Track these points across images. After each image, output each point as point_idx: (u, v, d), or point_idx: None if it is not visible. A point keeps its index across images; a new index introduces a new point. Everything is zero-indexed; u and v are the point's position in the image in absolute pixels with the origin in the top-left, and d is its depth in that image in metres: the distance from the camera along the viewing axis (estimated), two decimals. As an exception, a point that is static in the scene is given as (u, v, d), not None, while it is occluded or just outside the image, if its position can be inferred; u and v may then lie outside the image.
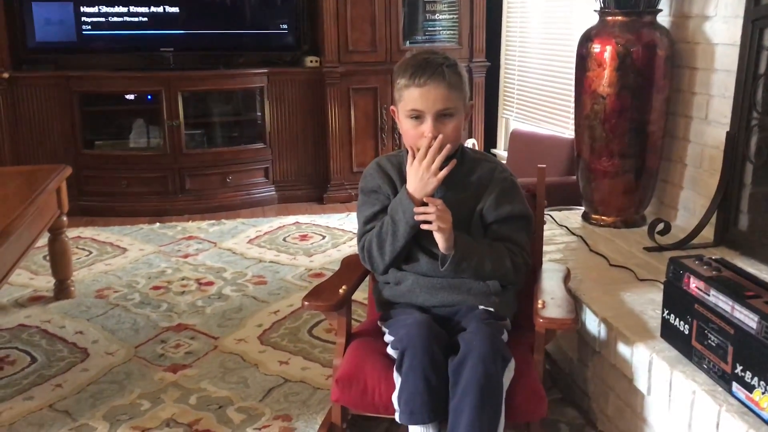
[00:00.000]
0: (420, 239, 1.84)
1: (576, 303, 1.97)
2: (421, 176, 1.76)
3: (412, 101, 1.79)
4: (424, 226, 1.76)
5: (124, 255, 3.62)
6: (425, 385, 1.62)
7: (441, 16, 4.79)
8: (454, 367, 1.64)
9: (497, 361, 1.63)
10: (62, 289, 3.06)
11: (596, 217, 2.79)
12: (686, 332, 1.69)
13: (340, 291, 1.86)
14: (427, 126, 1.78)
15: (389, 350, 1.78)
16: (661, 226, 2.51)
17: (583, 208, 2.89)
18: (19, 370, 2.44)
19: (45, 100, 4.36)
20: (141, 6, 4.40)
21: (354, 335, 1.94)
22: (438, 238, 1.76)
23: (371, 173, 1.93)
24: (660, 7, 2.59)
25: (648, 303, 2.02)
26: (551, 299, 1.86)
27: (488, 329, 1.70)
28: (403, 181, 1.84)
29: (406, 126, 1.83)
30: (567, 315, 1.78)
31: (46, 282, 3.19)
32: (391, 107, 1.90)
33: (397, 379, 1.67)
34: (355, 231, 3.95)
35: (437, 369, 1.64)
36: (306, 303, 1.84)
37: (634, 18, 2.56)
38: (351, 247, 3.70)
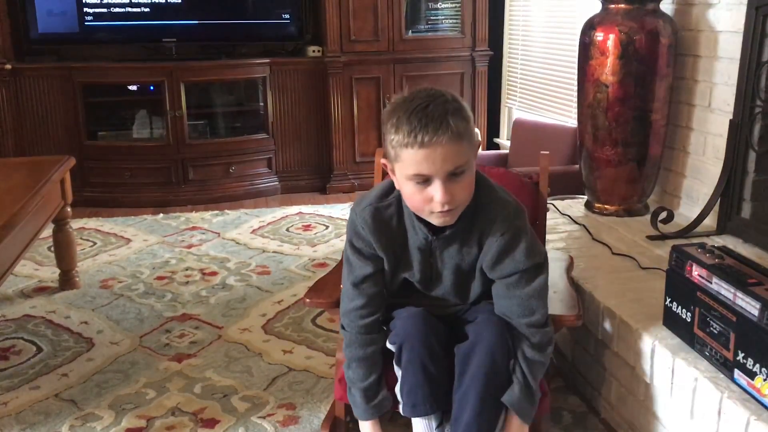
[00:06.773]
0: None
1: (579, 292, 1.97)
2: None
3: (414, 165, 1.45)
4: None
5: (128, 245, 3.63)
6: (425, 376, 1.62)
7: (443, 5, 4.77)
8: (462, 356, 1.63)
9: (504, 353, 1.63)
10: (67, 280, 3.07)
11: (599, 205, 2.79)
12: (688, 320, 1.69)
13: (341, 287, 1.86)
14: (437, 192, 1.46)
15: (387, 344, 1.77)
16: (664, 215, 2.51)
17: (585, 197, 2.90)
18: (25, 360, 2.46)
19: (48, 91, 4.36)
20: (143, -4, 4.41)
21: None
22: None
23: (363, 229, 1.63)
24: (663, -6, 2.58)
25: (650, 291, 2.03)
26: (554, 293, 1.85)
27: (497, 320, 1.69)
28: (400, 236, 1.63)
29: (408, 190, 1.51)
30: (569, 312, 1.78)
31: (50, 273, 3.20)
32: (382, 161, 1.57)
33: (398, 372, 1.67)
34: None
35: (436, 360, 1.63)
36: (308, 300, 1.84)
37: (637, 6, 2.55)
38: (354, 237, 3.70)
